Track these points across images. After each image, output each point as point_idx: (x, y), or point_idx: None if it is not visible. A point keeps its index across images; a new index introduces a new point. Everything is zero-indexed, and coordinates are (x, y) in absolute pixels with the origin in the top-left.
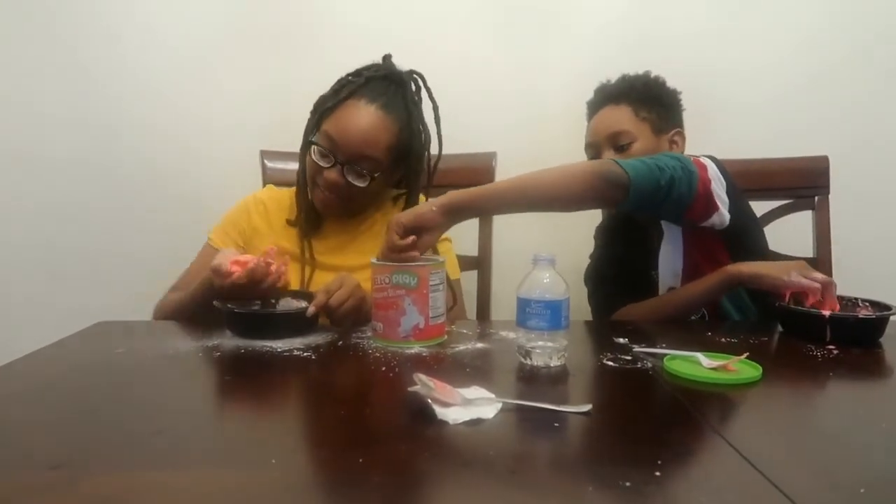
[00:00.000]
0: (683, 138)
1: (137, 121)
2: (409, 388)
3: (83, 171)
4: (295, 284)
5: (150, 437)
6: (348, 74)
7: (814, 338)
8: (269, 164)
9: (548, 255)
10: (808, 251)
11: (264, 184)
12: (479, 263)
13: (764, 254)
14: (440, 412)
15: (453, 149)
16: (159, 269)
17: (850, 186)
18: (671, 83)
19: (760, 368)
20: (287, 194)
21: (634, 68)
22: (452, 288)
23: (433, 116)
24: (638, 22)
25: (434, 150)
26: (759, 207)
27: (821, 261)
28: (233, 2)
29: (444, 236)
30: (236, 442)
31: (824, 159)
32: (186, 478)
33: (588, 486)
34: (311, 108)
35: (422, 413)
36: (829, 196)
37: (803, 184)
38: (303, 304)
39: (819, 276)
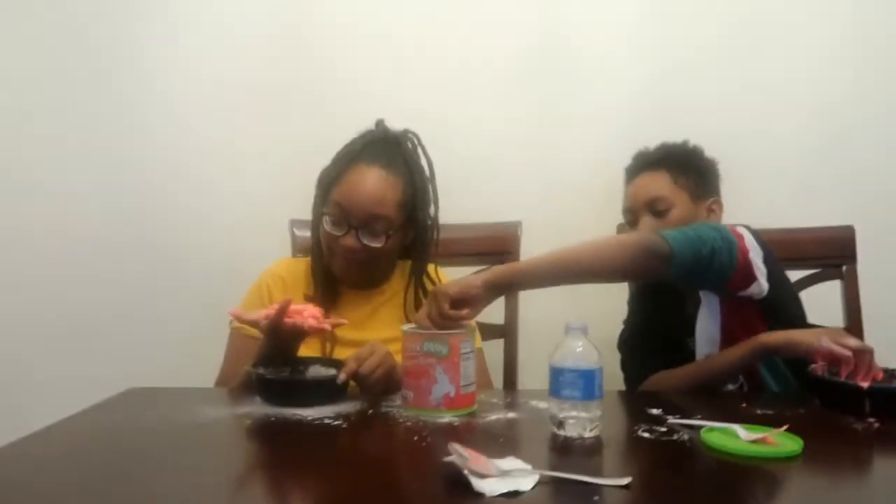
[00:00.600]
0: (721, 207)
1: (165, 192)
2: (444, 459)
3: (113, 241)
4: None
5: (181, 498)
6: (345, 145)
7: (853, 410)
8: (297, 232)
9: (580, 324)
10: (839, 322)
11: (293, 251)
12: (506, 332)
13: (801, 324)
14: (476, 483)
15: (478, 218)
16: (188, 337)
17: (879, 254)
18: None
19: (801, 442)
20: (304, 265)
21: (658, 136)
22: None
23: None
24: (661, 91)
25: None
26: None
27: (852, 331)
28: (262, 74)
29: None
30: None
31: (849, 229)
32: None
33: None
34: None
35: (457, 484)
36: (857, 266)
37: (830, 253)
38: (332, 371)
39: (853, 342)
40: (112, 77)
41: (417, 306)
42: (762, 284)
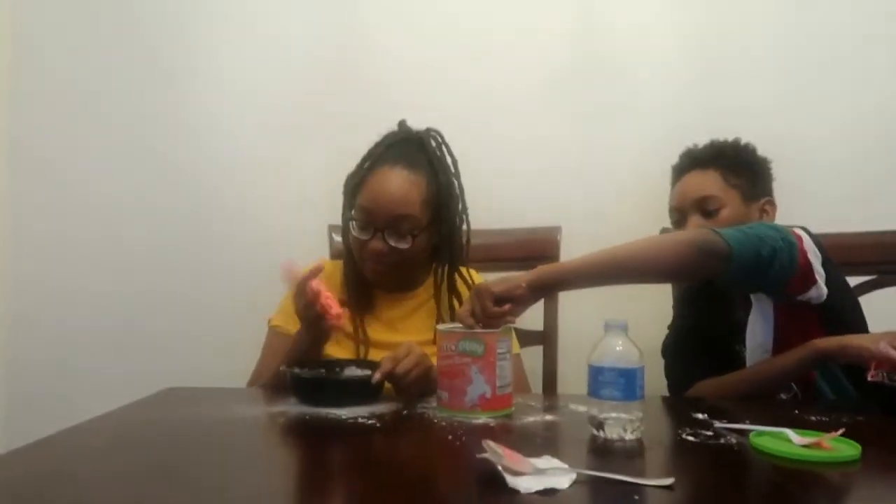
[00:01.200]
0: (774, 208)
1: (209, 197)
2: (478, 455)
3: (153, 245)
4: None
5: (217, 492)
6: (368, 149)
7: None
8: (336, 237)
9: (620, 321)
10: None
11: (331, 256)
12: (545, 338)
13: (862, 332)
14: (511, 481)
15: (518, 223)
16: (227, 339)
17: None
18: None
19: (859, 447)
20: (341, 268)
21: (702, 140)
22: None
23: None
24: (703, 95)
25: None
26: None
27: None
28: (302, 85)
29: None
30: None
31: None
32: None
33: None
34: None
35: (492, 481)
36: None
37: (889, 258)
38: (368, 372)
39: None
40: (167, 89)
41: (451, 308)
42: (821, 289)
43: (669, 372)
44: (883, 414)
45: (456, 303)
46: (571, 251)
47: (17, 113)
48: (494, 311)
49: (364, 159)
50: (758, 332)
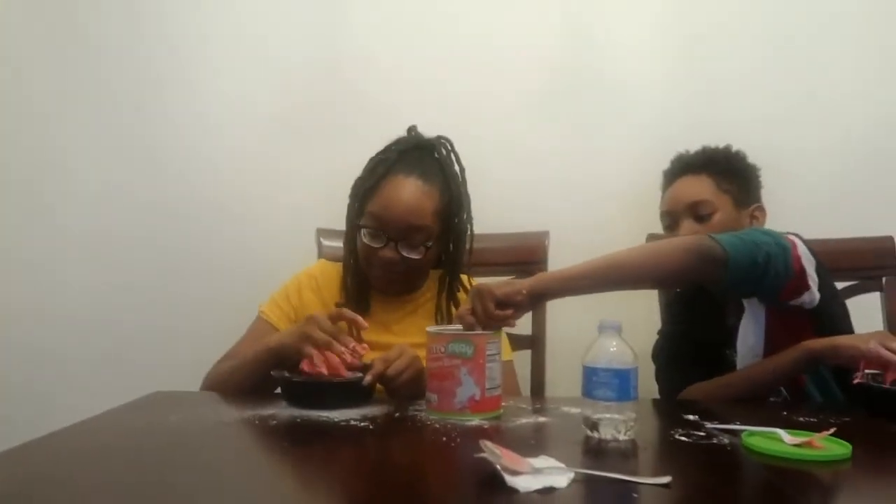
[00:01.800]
0: (764, 213)
1: (198, 200)
2: (476, 455)
3: (144, 245)
4: None
5: (208, 497)
6: (378, 153)
7: None
8: (325, 242)
9: (614, 322)
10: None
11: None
12: (534, 342)
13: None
14: (510, 480)
15: (507, 229)
16: (214, 343)
17: None
18: None
19: (850, 446)
20: (338, 269)
21: (691, 149)
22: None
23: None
24: (691, 106)
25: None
26: None
27: None
28: (295, 94)
29: None
30: None
31: (889, 239)
32: None
33: None
34: None
35: (490, 481)
36: None
37: (869, 264)
38: (358, 374)
39: None
40: (158, 92)
41: (449, 314)
42: (814, 294)
43: (660, 376)
44: (869, 415)
45: (453, 308)
46: (559, 256)
47: (4, 111)
48: (496, 313)
49: (376, 165)
50: (749, 336)
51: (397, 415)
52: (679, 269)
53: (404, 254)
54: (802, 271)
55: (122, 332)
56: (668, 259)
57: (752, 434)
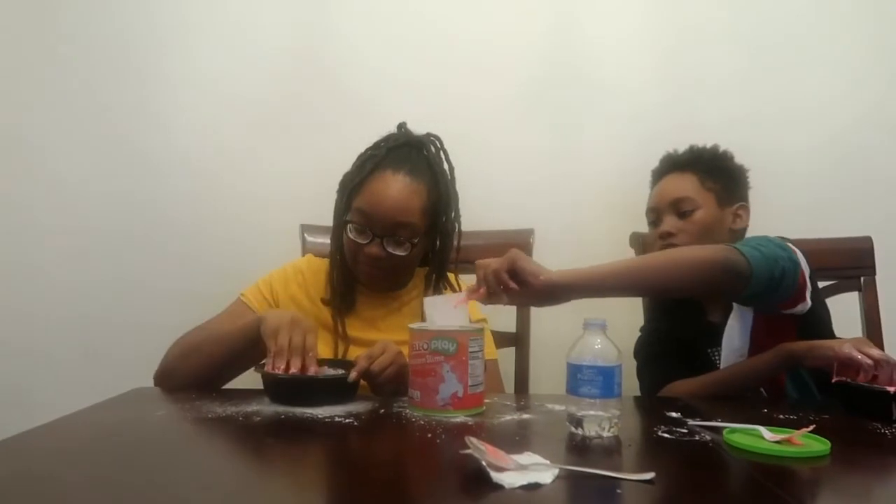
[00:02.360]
0: (748, 212)
1: (181, 195)
2: (461, 451)
3: (125, 241)
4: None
5: (196, 492)
6: (367, 149)
7: (877, 416)
8: (308, 237)
9: (599, 320)
10: (858, 334)
11: (303, 255)
12: (518, 340)
13: (831, 338)
14: (496, 476)
15: (491, 226)
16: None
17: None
18: None
19: (828, 443)
20: (325, 265)
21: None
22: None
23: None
24: (675, 106)
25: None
26: None
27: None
28: (278, 87)
29: (480, 315)
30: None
31: (867, 240)
32: None
33: None
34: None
35: (476, 477)
36: (876, 277)
37: (848, 264)
38: (341, 371)
39: (876, 352)
40: (140, 87)
41: None
42: (807, 303)
43: (642, 373)
44: (846, 412)
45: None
46: (544, 254)
47: None
48: (502, 276)
49: (364, 161)
50: (735, 338)
51: (381, 411)
52: (704, 281)
53: (390, 250)
54: (804, 284)
55: (102, 328)
56: (695, 271)
57: (733, 431)
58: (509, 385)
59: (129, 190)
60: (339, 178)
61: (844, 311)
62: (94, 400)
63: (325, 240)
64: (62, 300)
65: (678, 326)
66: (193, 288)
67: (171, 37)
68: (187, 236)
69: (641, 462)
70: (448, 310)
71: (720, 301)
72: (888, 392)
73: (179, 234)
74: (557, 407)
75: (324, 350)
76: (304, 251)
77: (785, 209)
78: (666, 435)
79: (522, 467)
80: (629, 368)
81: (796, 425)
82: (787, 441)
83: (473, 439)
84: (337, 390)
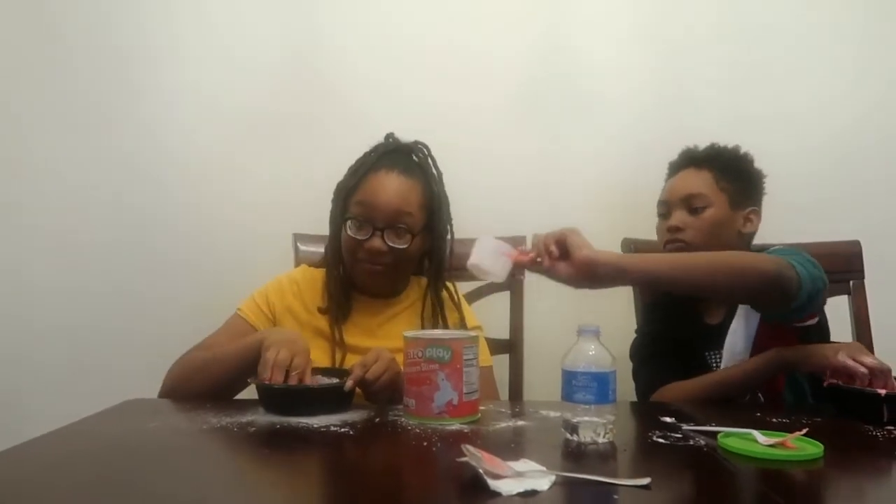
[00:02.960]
0: (759, 218)
1: (173, 203)
2: (458, 459)
3: (117, 252)
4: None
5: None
6: (358, 158)
7: (869, 419)
8: (301, 246)
9: (593, 326)
10: (847, 337)
11: (296, 264)
12: (511, 346)
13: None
14: (492, 484)
15: (483, 234)
16: (187, 348)
17: (886, 269)
18: None
19: (822, 446)
20: (321, 274)
21: (663, 155)
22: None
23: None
24: (665, 114)
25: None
26: None
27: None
28: (269, 97)
29: (475, 323)
30: None
31: (856, 244)
32: None
33: None
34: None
35: (472, 484)
36: (865, 280)
37: (837, 268)
38: (335, 380)
39: (870, 360)
40: (131, 93)
41: (434, 317)
42: (818, 316)
43: (638, 374)
44: (839, 415)
45: (439, 310)
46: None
47: None
48: (548, 243)
49: (358, 166)
50: (738, 341)
51: (377, 420)
52: (752, 290)
53: (390, 244)
54: (825, 301)
55: (92, 337)
56: (747, 278)
57: (727, 435)
58: (504, 392)
59: (119, 198)
60: (332, 186)
61: (833, 314)
62: (84, 409)
63: (318, 248)
64: (51, 308)
65: (674, 328)
66: (185, 296)
67: (163, 46)
68: (179, 245)
69: (637, 467)
70: (494, 254)
71: (718, 303)
72: (879, 395)
73: (171, 242)
74: (552, 413)
75: (321, 358)
76: (297, 260)
77: (774, 212)
78: (661, 440)
79: (519, 474)
80: (623, 374)
81: (790, 429)
82: (781, 444)
83: (470, 447)
84: (332, 399)
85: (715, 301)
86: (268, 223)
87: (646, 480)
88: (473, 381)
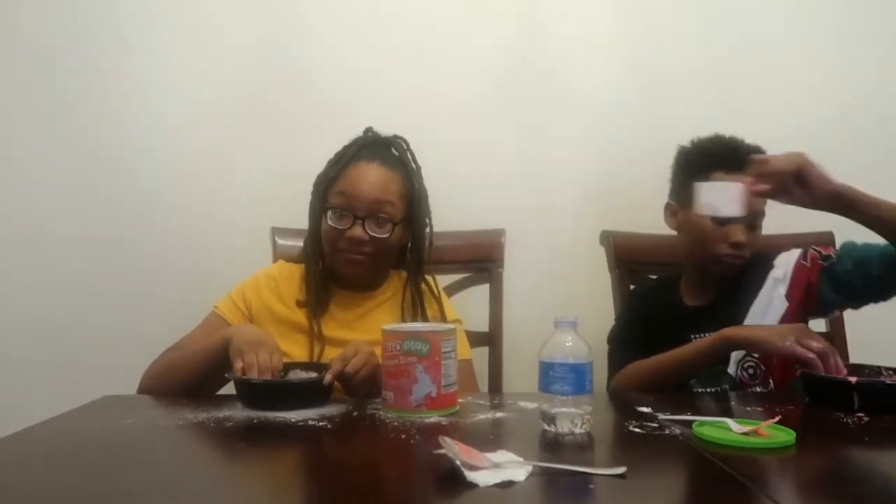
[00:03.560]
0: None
1: (149, 197)
2: (435, 451)
3: (93, 246)
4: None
5: (167, 500)
6: (337, 152)
7: (841, 406)
8: (279, 240)
9: (570, 318)
10: (820, 326)
11: (274, 258)
12: (490, 339)
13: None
14: (469, 475)
15: (462, 226)
16: (165, 344)
17: None
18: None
19: (794, 433)
20: (298, 269)
21: (643, 151)
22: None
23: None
24: (643, 103)
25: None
26: None
27: (835, 336)
28: (245, 86)
29: (455, 316)
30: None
31: (829, 234)
32: None
33: None
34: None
35: (450, 476)
36: None
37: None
38: (314, 374)
39: (816, 344)
40: (109, 87)
41: (414, 310)
42: None
43: (612, 358)
44: (810, 403)
45: (419, 302)
46: (516, 254)
47: None
48: (778, 163)
49: (338, 159)
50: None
51: (355, 413)
52: None
53: (371, 233)
54: None
55: (70, 333)
56: None
57: (702, 424)
58: (483, 384)
59: (95, 192)
60: (311, 179)
61: None
62: (62, 406)
63: (296, 242)
64: (29, 305)
65: (655, 311)
66: (162, 291)
67: (137, 35)
68: (156, 239)
69: (613, 457)
70: (728, 197)
71: (698, 285)
72: (850, 382)
73: (148, 236)
74: (530, 405)
75: (299, 352)
76: (275, 253)
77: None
78: (637, 430)
79: (496, 465)
80: (600, 365)
81: (763, 417)
82: (754, 432)
83: (447, 439)
84: (311, 393)
85: None
86: (245, 217)
87: (621, 469)
88: (452, 374)
